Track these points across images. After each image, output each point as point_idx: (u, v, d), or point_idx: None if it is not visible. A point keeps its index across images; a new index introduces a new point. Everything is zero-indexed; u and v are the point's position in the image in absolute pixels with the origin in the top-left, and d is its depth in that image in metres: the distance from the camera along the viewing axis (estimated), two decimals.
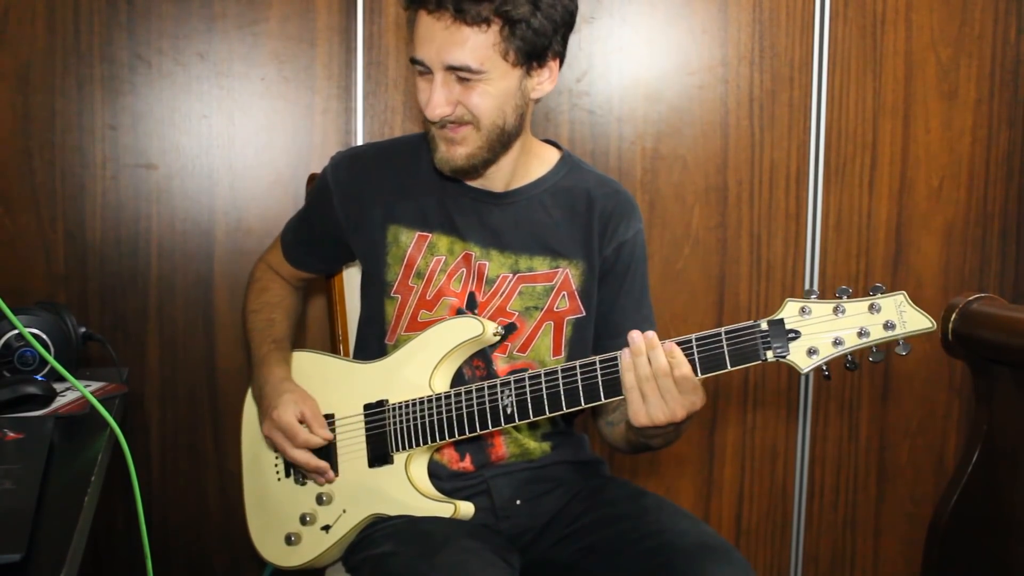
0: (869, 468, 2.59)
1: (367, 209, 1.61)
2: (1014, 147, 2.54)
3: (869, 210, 2.51)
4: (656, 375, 1.33)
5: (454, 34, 1.40)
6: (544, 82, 1.51)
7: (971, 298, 1.89)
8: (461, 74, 1.43)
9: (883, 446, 2.59)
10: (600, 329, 1.62)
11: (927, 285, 2.54)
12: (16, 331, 1.61)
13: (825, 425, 2.56)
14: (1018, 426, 1.85)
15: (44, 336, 1.65)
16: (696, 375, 1.34)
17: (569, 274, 1.58)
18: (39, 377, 1.56)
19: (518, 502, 1.59)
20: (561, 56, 1.52)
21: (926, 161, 2.51)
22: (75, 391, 1.54)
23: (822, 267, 2.50)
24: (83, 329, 1.73)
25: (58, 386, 1.55)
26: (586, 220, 1.59)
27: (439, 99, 1.44)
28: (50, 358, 1.37)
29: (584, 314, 1.59)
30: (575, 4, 1.50)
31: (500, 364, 1.58)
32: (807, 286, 2.49)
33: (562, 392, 1.42)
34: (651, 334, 1.35)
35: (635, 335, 1.35)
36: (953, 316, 1.90)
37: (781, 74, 2.43)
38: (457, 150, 1.48)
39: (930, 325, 1.28)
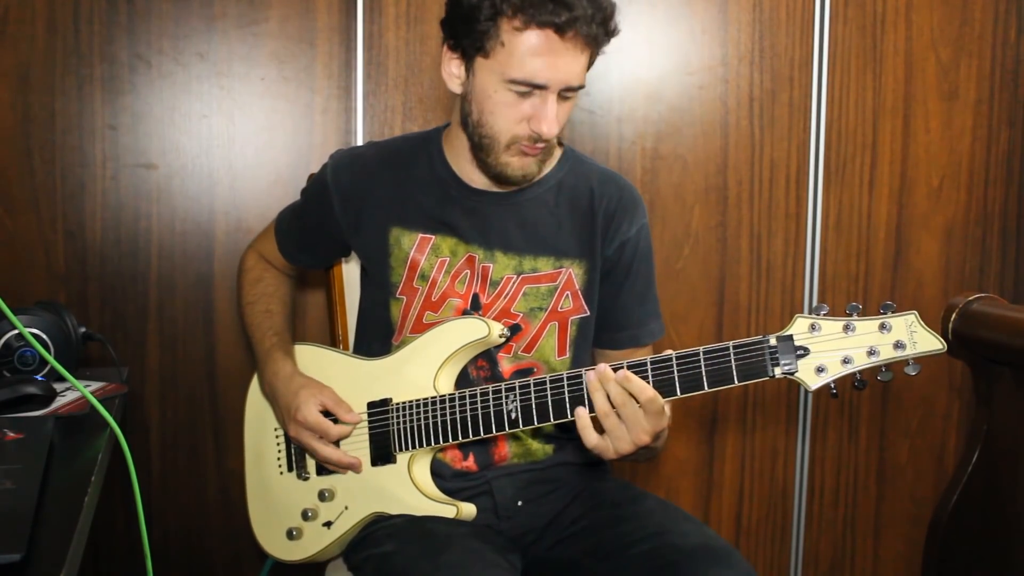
0: (869, 468, 2.59)
1: (368, 211, 1.61)
2: (1014, 147, 2.54)
3: (869, 210, 2.51)
4: (616, 405, 1.32)
5: (579, 57, 1.42)
6: None
7: (971, 298, 1.89)
8: (568, 94, 1.45)
9: (883, 446, 2.59)
10: (601, 322, 1.62)
11: (927, 285, 2.54)
12: (16, 331, 1.61)
13: (825, 425, 2.56)
14: (1018, 426, 1.85)
15: (44, 336, 1.65)
16: (704, 388, 1.32)
17: (572, 274, 1.58)
18: (39, 377, 1.56)
19: (520, 503, 1.59)
20: None
21: (926, 161, 2.51)
22: (75, 391, 1.54)
23: (822, 267, 2.50)
24: (83, 329, 1.73)
25: (58, 386, 1.55)
26: (588, 218, 1.59)
27: (557, 119, 1.45)
28: (50, 358, 1.36)
29: (588, 313, 1.59)
30: None
31: (505, 364, 1.58)
32: (807, 286, 2.50)
33: (567, 399, 1.40)
34: (601, 368, 1.32)
35: (589, 374, 1.34)
36: (953, 316, 1.89)
37: (781, 74, 2.43)
38: (532, 161, 1.49)
39: (941, 347, 1.26)
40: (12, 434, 1.30)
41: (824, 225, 2.49)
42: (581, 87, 1.47)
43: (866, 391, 2.56)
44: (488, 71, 1.44)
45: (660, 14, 2.39)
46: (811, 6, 2.42)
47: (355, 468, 1.56)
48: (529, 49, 1.40)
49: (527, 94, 1.43)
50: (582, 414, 1.35)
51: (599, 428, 1.36)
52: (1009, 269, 2.58)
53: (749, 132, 2.44)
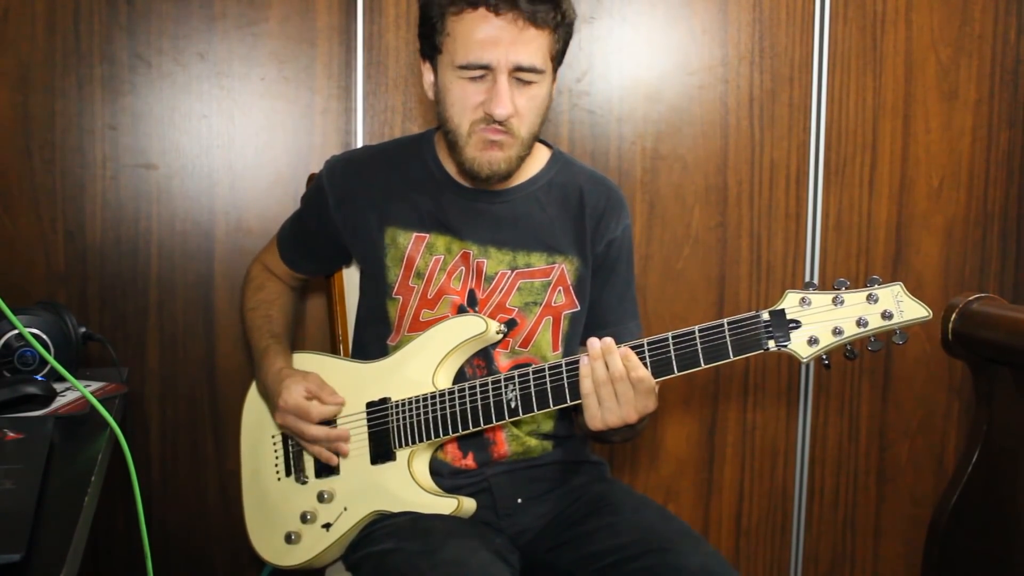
0: (869, 468, 2.59)
1: (364, 212, 1.62)
2: (1014, 147, 2.54)
3: (869, 210, 2.51)
4: (613, 379, 1.36)
5: (524, 33, 1.43)
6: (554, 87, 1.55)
7: (971, 298, 1.89)
8: (523, 76, 1.45)
9: (883, 446, 2.59)
10: (584, 320, 1.64)
11: (927, 285, 2.54)
12: (16, 331, 1.61)
13: (825, 425, 2.56)
14: (1018, 426, 1.85)
15: (44, 336, 1.65)
16: (700, 365, 1.36)
17: (565, 269, 1.60)
18: (39, 377, 1.56)
19: (519, 500, 1.59)
20: None
21: (926, 161, 2.51)
22: (75, 391, 1.54)
23: (822, 267, 2.50)
24: (83, 329, 1.73)
25: (58, 386, 1.55)
26: (578, 216, 1.61)
27: (508, 97, 1.44)
28: (50, 358, 1.37)
29: (579, 308, 1.61)
30: None
31: (502, 360, 1.59)
32: None
33: (566, 385, 1.42)
34: (608, 340, 1.37)
35: (593, 341, 1.38)
36: (953, 316, 1.89)
37: (781, 74, 2.43)
38: (498, 154, 1.49)
39: (926, 314, 1.30)
40: (12, 434, 1.30)
41: (824, 225, 2.49)
42: (536, 70, 1.45)
43: (866, 391, 2.56)
44: (445, 66, 1.48)
45: (660, 14, 2.39)
46: (811, 6, 2.42)
47: (343, 440, 1.56)
48: (470, 31, 1.43)
49: (480, 79, 1.45)
50: (595, 343, 1.37)
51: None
52: (1009, 269, 2.58)
53: (749, 132, 2.44)
